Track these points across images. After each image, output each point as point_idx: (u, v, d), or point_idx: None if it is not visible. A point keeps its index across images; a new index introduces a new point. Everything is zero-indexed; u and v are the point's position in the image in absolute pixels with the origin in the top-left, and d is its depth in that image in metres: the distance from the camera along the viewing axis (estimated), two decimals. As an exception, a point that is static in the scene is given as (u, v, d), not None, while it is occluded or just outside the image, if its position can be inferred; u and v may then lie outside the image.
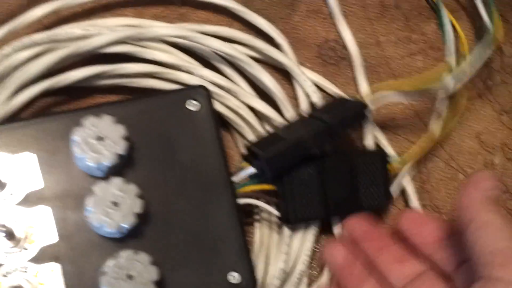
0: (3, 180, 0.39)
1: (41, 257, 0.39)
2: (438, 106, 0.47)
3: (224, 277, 0.40)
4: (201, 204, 0.41)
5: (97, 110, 0.40)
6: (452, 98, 0.48)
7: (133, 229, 0.39)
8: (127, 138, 0.39)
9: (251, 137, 0.46)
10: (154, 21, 0.49)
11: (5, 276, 0.38)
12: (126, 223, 0.38)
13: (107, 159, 0.39)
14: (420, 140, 0.47)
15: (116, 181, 0.39)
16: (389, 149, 0.48)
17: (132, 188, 0.38)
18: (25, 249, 0.38)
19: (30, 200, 0.39)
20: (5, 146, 0.40)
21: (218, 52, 0.47)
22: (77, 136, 0.39)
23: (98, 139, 0.39)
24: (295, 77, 0.47)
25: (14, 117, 0.45)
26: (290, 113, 0.46)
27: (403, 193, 0.48)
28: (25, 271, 0.38)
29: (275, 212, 0.43)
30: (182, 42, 0.47)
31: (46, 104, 0.47)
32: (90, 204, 0.38)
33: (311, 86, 0.47)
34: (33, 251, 0.39)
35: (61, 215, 0.39)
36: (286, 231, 0.45)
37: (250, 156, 0.44)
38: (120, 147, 0.39)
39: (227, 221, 0.41)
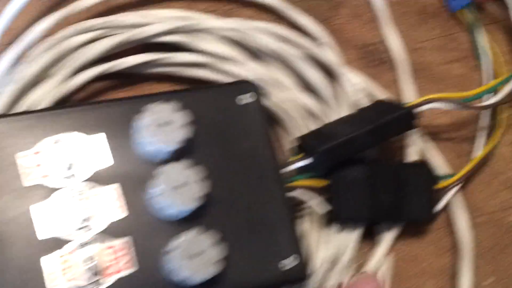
0: (72, 159, 0.40)
1: (109, 233, 0.39)
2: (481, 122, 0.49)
3: (279, 262, 0.41)
4: (254, 193, 0.42)
5: (161, 97, 0.41)
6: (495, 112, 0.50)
7: (196, 211, 0.39)
8: (190, 124, 0.40)
9: (296, 132, 0.47)
10: (204, 15, 0.50)
11: (79, 248, 0.39)
12: (192, 204, 0.39)
13: (172, 143, 0.40)
14: (472, 160, 0.49)
15: (182, 163, 0.39)
16: (435, 162, 0.49)
17: (198, 171, 0.39)
18: (94, 225, 0.39)
19: (97, 178, 0.40)
20: (76, 126, 0.41)
21: (267, 48, 0.48)
22: (145, 120, 0.40)
23: (164, 124, 0.40)
24: (339, 76, 0.49)
25: (66, 100, 0.46)
26: (335, 111, 0.48)
27: (447, 209, 0.49)
28: (97, 244, 0.39)
29: (323, 208, 0.45)
30: (232, 35, 0.48)
31: (96, 89, 0.48)
32: (157, 185, 0.39)
33: (355, 86, 0.48)
34: (102, 227, 0.39)
35: (128, 194, 0.40)
36: (332, 226, 0.46)
37: (300, 150, 0.45)
38: (185, 132, 0.40)
39: (279, 210, 0.42)
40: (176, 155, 0.41)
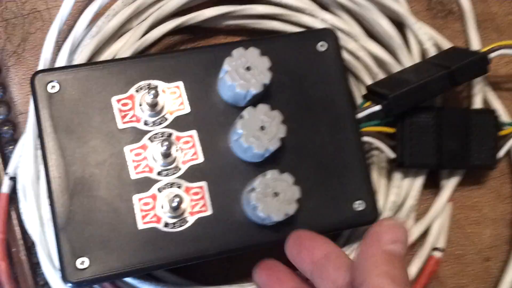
0: (161, 103, 0.42)
1: (189, 176, 0.42)
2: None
3: (350, 204, 0.43)
4: (329, 136, 0.44)
5: (241, 45, 0.43)
6: None
7: (275, 153, 0.41)
8: (271, 70, 0.42)
9: (368, 80, 0.49)
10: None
11: (166, 188, 0.41)
12: (272, 146, 0.41)
13: (255, 87, 0.41)
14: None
15: (262, 108, 0.41)
16: (498, 111, 0.50)
17: (277, 114, 0.41)
18: (176, 168, 0.42)
19: (178, 124, 0.42)
20: (158, 73, 0.43)
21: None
22: (228, 65, 0.41)
23: (247, 69, 0.42)
24: (409, 25, 0.50)
25: (143, 52, 0.48)
26: (406, 60, 0.49)
27: (508, 156, 0.51)
28: (179, 187, 0.41)
29: (391, 153, 0.46)
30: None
31: (171, 43, 0.50)
32: (238, 129, 0.41)
33: (426, 34, 0.50)
34: (182, 170, 0.42)
35: (206, 139, 0.42)
36: (397, 173, 0.48)
37: (371, 96, 0.46)
38: (266, 77, 0.42)
39: (352, 153, 0.44)
40: (256, 100, 0.42)
